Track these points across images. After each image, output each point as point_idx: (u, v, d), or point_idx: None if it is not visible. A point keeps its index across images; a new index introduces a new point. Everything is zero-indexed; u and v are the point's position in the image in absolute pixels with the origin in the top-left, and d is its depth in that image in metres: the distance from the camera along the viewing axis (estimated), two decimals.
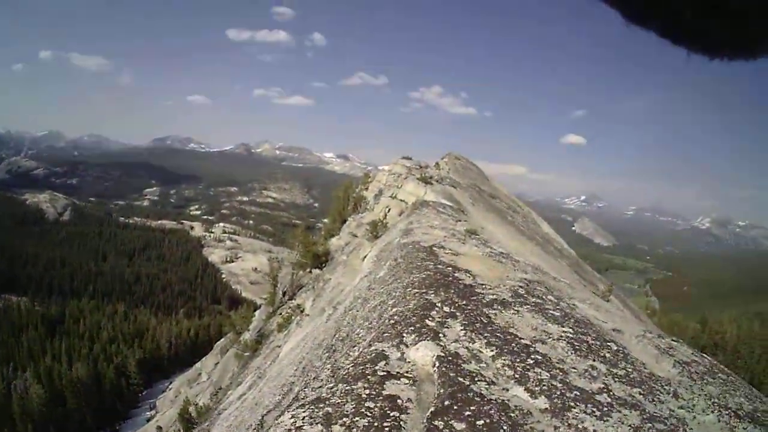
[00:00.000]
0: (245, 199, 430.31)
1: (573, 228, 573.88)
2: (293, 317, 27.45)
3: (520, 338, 8.82)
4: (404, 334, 8.45)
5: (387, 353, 7.76)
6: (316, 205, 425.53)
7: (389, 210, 30.54)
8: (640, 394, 7.79)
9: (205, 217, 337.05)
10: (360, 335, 10.40)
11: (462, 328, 8.87)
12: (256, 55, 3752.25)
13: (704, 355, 11.87)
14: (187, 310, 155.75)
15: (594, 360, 8.63)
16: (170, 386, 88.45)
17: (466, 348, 8.08)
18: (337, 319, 15.78)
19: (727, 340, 78.85)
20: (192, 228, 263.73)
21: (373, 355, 7.71)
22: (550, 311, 10.81)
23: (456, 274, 12.33)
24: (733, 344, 78.53)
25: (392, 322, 9.22)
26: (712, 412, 7.91)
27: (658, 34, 1.22)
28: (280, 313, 32.14)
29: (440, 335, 8.40)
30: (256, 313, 46.88)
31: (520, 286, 12.31)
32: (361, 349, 8.65)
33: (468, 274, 12.55)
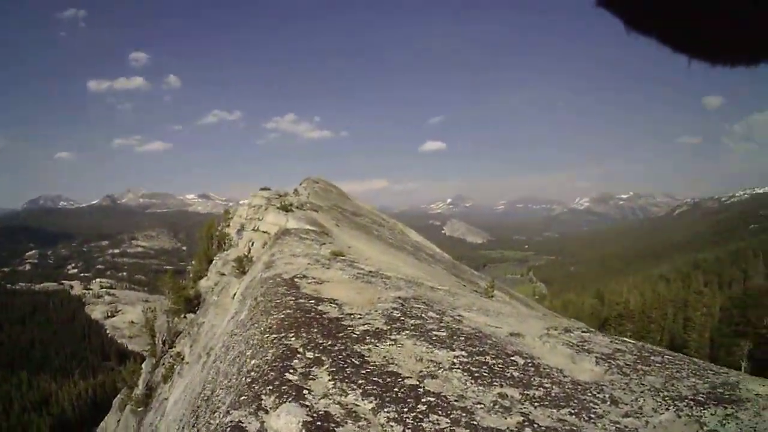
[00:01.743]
0: (117, 251, 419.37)
1: (443, 231, 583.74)
2: (175, 366, 26.51)
3: (404, 377, 7.51)
4: (263, 396, 6.92)
5: (244, 425, 6.25)
6: (184, 248, 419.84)
7: (253, 243, 30.21)
8: (571, 414, 6.65)
9: (82, 274, 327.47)
10: (219, 397, 8.46)
11: (330, 377, 7.44)
12: (116, 105, 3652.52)
13: (625, 339, 11.35)
14: (81, 369, 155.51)
15: (501, 385, 7.44)
16: None
17: (339, 404, 6.63)
18: (206, 371, 14.42)
19: (633, 308, 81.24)
20: (72, 287, 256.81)
21: (229, 429, 6.23)
22: (434, 332, 9.78)
23: (320, 307, 11.16)
24: (640, 311, 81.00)
25: (249, 380, 7.70)
26: (667, 408, 6.98)
27: (659, 41, 1.20)
28: (163, 363, 30.68)
29: (305, 392, 6.91)
30: (143, 365, 45.62)
31: (395, 308, 11.33)
32: (219, 419, 7.23)
33: (333, 305, 11.45)
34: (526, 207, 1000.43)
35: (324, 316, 10.49)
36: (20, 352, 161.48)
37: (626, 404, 7.10)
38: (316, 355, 8.25)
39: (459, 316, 11.60)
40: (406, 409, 6.47)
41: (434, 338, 9.38)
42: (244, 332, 11.12)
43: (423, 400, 6.75)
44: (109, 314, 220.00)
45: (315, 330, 9.47)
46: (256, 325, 10.76)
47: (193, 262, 47.05)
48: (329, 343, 8.80)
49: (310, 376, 7.44)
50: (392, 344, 8.90)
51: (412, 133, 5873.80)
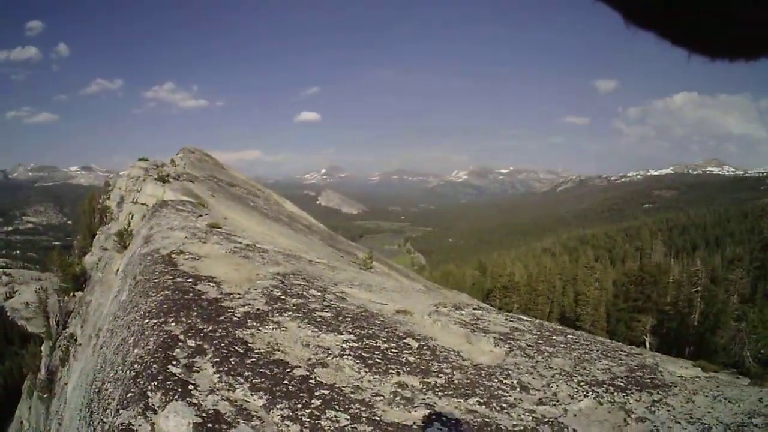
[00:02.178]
0: (10, 228, 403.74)
1: (318, 202, 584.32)
2: (70, 348, 25.97)
3: (293, 367, 7.09)
4: (149, 393, 6.36)
5: (134, 427, 5.74)
6: (70, 222, 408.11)
7: (132, 216, 29.77)
8: (480, 404, 6.38)
9: None
10: (109, 392, 7.74)
11: (215, 369, 6.95)
12: (11, 75, 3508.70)
13: (522, 317, 11.46)
14: None
15: (399, 373, 7.14)
16: None
17: (228, 400, 6.14)
18: (96, 356, 13.69)
19: (518, 281, 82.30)
20: None
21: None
22: (319, 312, 9.54)
23: (198, 287, 10.67)
24: (526, 283, 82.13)
25: (134, 373, 7.09)
26: (585, 395, 6.88)
27: (659, 35, 1.19)
28: (59, 346, 30.02)
29: (190, 387, 6.41)
30: (42, 347, 44.27)
31: (275, 286, 11.05)
32: (110, 418, 6.56)
33: (212, 284, 10.99)
34: (402, 179, 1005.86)
35: (203, 297, 10.02)
36: None
37: (538, 390, 6.88)
38: (198, 343, 7.76)
39: (341, 292, 11.45)
40: (300, 405, 6.09)
41: (319, 320, 9.10)
42: (125, 316, 10.69)
43: (317, 393, 6.39)
44: (8, 295, 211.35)
45: (195, 314, 8.96)
46: (135, 308, 10.26)
47: (77, 238, 45.86)
48: (210, 328, 8.32)
49: (194, 368, 6.95)
50: (275, 328, 8.54)
51: (287, 103, 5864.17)
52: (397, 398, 6.31)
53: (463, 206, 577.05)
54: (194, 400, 6.06)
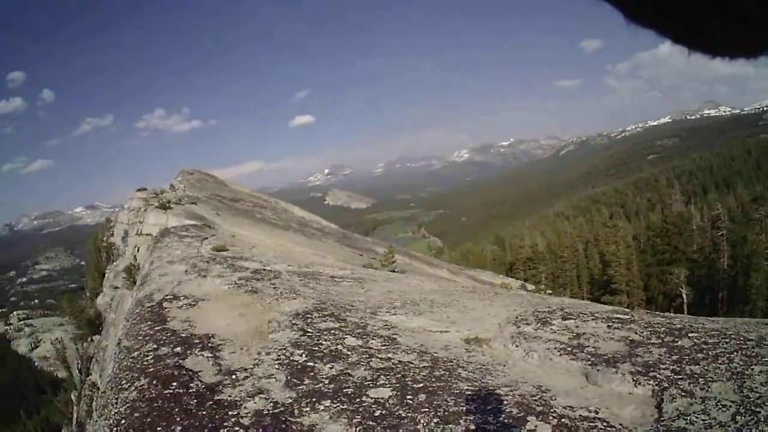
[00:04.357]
0: (24, 279, 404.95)
1: (326, 202, 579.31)
2: (94, 398, 24.12)
3: None
4: None
5: None
6: (83, 263, 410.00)
7: (138, 249, 28.61)
8: None
9: None
10: None
11: None
12: (0, 129, 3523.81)
13: (618, 314, 9.70)
14: (25, 408, 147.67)
15: None
16: None
17: None
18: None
19: (542, 250, 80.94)
20: None
21: None
22: (370, 386, 6.75)
23: (188, 362, 7.93)
24: (550, 251, 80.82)
25: None
26: None
27: (659, 33, 1.16)
28: (84, 396, 29.01)
29: None
30: (72, 396, 43.52)
31: (296, 343, 8.36)
32: None
33: (208, 352, 8.27)
34: (405, 166, 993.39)
35: (192, 386, 7.20)
36: None
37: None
38: None
39: (386, 325, 9.29)
40: None
41: (376, 411, 6.25)
42: (99, 419, 8.27)
43: None
44: (33, 346, 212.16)
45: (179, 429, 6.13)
46: (107, 410, 7.29)
47: (87, 280, 45.05)
48: None
49: None
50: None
51: (280, 110, 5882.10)
52: None
53: (469, 184, 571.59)
54: None
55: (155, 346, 8.79)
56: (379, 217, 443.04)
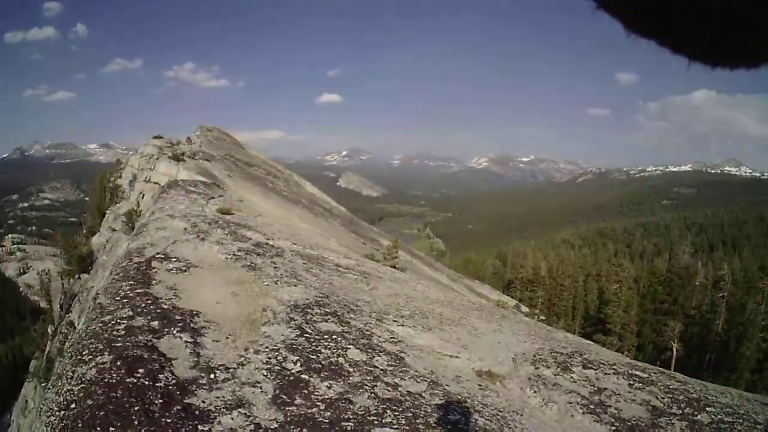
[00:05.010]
0: (25, 204, 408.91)
1: (338, 183, 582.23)
2: (69, 337, 23.58)
3: None
4: None
5: None
6: (87, 199, 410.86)
7: (143, 196, 28.67)
8: None
9: None
10: None
11: None
12: (29, 55, 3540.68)
13: (638, 370, 9.10)
14: (1, 330, 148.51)
15: None
16: (12, 419, 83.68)
17: None
18: None
19: (543, 274, 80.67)
20: None
21: None
22: (373, 413, 5.89)
23: (162, 344, 6.81)
24: (548, 275, 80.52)
25: None
26: None
27: (659, 44, 1.16)
28: (60, 332, 29.26)
29: None
30: (49, 330, 43.32)
31: (291, 346, 7.31)
32: None
33: (188, 335, 7.19)
34: (423, 163, 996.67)
35: (162, 379, 6.03)
36: None
37: None
38: None
39: (393, 338, 8.41)
40: None
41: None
42: (56, 382, 7.09)
43: None
44: (21, 271, 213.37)
45: None
46: (60, 385, 6.21)
47: (86, 217, 44.83)
48: None
49: None
50: None
51: (309, 84, 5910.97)
52: None
53: (483, 193, 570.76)
54: None
55: (131, 313, 7.68)
56: (388, 208, 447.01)
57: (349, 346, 7.62)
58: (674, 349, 55.83)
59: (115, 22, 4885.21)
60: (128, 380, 5.80)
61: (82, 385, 5.70)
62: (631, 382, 8.28)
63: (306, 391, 6.16)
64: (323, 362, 6.94)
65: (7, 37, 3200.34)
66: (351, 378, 6.66)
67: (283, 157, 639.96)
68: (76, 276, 32.53)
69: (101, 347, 6.57)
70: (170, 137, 39.71)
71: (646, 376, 8.81)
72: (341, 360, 7.15)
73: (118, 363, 6.17)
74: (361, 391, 6.41)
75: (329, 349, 7.42)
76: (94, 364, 6.20)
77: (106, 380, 5.80)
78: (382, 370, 7.13)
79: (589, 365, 8.87)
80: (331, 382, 6.46)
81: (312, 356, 7.06)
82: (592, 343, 14.12)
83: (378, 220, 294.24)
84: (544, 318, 54.60)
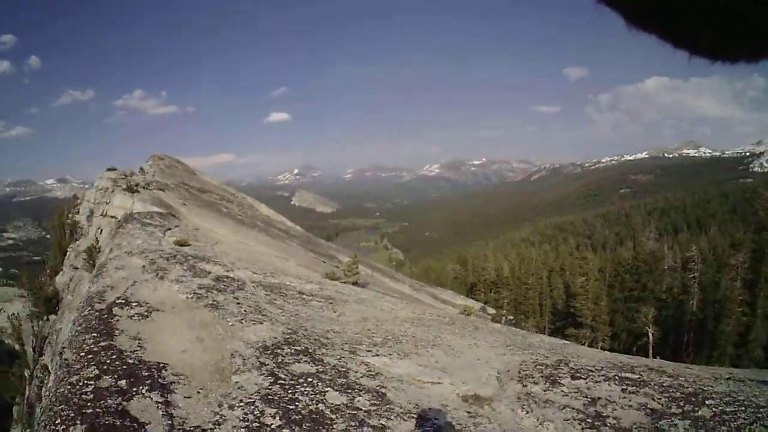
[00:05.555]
0: None
1: (292, 202, 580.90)
2: (45, 381, 24.02)
3: None
4: None
5: None
6: (48, 236, 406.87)
7: (101, 231, 28.51)
8: None
9: None
10: None
11: None
12: None
13: (626, 371, 9.04)
14: None
15: None
16: None
17: None
18: None
19: (507, 275, 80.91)
20: None
21: None
22: None
23: (132, 409, 6.33)
24: (511, 275, 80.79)
25: None
26: None
27: (659, 37, 1.19)
28: (36, 376, 28.75)
29: None
30: (26, 374, 42.84)
31: (267, 397, 6.93)
32: None
33: (157, 394, 6.78)
34: (375, 175, 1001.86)
35: None
36: None
37: None
38: None
39: (370, 371, 8.10)
40: None
41: None
42: None
43: None
44: None
45: None
46: None
47: (49, 256, 44.56)
48: None
49: None
50: None
51: (256, 105, 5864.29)
52: None
53: (437, 200, 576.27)
54: None
55: (97, 372, 7.31)
56: (344, 223, 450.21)
57: (327, 389, 7.31)
58: (650, 334, 56.19)
59: (67, 52, 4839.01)
60: None
61: None
62: (624, 387, 8.18)
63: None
64: (303, 412, 6.60)
65: None
66: (335, 426, 6.35)
67: (236, 180, 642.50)
68: (45, 318, 32.27)
69: (72, 415, 6.21)
70: (124, 169, 39.76)
71: (636, 377, 8.77)
72: (321, 407, 6.83)
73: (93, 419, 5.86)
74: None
75: (307, 395, 7.09)
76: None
77: None
78: (365, 411, 6.83)
79: (578, 375, 8.78)
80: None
81: (290, 406, 6.73)
82: (568, 342, 13.93)
83: (335, 235, 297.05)
84: (512, 318, 56.02)
